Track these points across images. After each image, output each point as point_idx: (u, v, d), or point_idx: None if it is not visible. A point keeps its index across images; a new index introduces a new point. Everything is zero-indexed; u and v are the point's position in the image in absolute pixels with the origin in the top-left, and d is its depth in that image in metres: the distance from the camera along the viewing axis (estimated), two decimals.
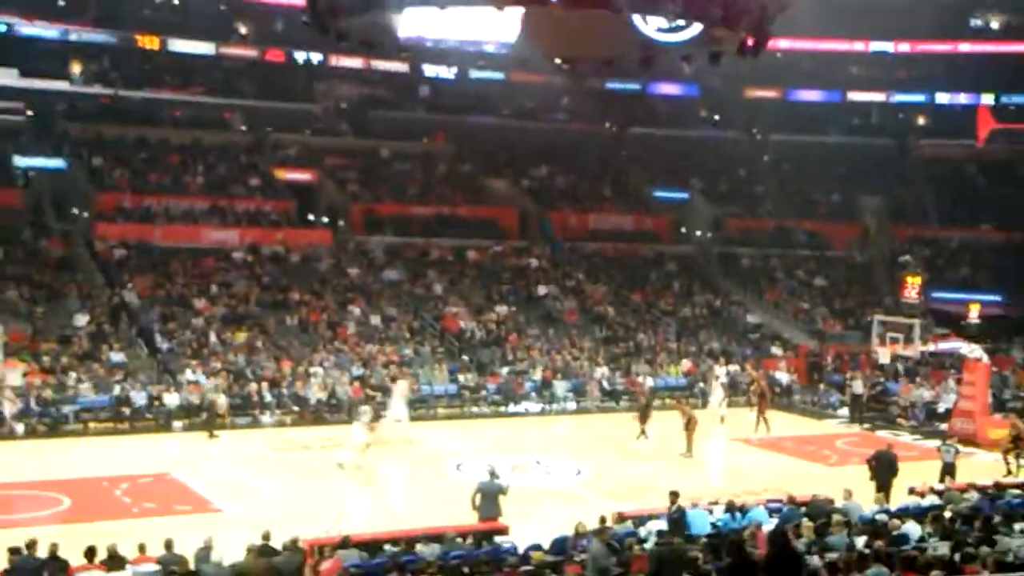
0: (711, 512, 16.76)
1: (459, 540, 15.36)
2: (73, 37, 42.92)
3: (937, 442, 25.17)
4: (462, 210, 44.62)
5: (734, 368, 35.06)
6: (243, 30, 47.11)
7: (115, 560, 13.72)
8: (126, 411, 28.73)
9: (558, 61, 22.83)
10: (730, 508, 16.76)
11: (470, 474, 21.70)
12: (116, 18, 43.40)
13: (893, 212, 48.25)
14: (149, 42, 43.73)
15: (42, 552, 13.54)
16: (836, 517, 15.34)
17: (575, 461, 25.50)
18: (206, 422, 28.08)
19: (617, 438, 28.33)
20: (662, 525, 15.55)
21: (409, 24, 18.56)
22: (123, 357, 31.28)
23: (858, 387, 33.26)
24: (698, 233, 48.19)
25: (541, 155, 49.23)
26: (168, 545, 14.12)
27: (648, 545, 14.12)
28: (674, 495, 16.43)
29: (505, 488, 18.20)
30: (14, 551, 13.32)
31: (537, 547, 14.75)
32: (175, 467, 23.92)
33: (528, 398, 33.11)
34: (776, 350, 38.80)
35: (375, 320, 36.24)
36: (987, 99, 49.77)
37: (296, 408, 30.34)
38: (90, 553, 13.74)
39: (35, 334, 31.41)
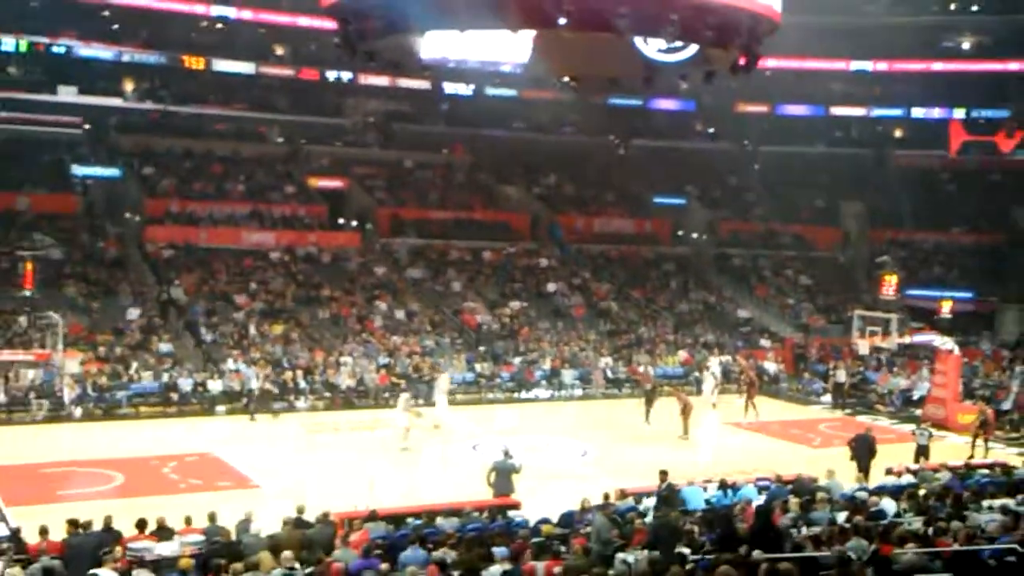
0: (705, 489, 16.74)
1: (476, 514, 15.37)
2: (126, 58, 43.06)
3: (912, 426, 25.07)
4: (478, 214, 44.62)
5: (726, 359, 35.01)
6: (280, 51, 47.16)
7: (164, 531, 13.75)
8: (174, 396, 28.82)
9: (566, 79, 22.82)
10: (722, 486, 16.74)
11: (485, 454, 21.70)
12: (165, 40, 43.58)
13: (872, 216, 48.02)
14: (195, 62, 43.88)
15: (98, 524, 13.60)
16: (819, 494, 15.29)
17: (581, 442, 25.48)
18: (251, 406, 28.21)
19: (620, 422, 28.34)
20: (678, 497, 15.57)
21: (430, 46, 18.58)
22: (171, 347, 31.38)
23: (841, 376, 33.17)
24: (694, 236, 48.07)
25: (550, 164, 49.17)
26: (212, 517, 14.15)
27: (648, 519, 14.11)
28: (663, 474, 16.41)
29: (518, 467, 18.22)
30: (73, 523, 13.35)
31: (546, 521, 14.73)
32: (218, 447, 23.99)
33: (538, 385, 33.09)
34: (765, 342, 38.73)
35: (399, 314, 36.24)
36: (959, 113, 49.46)
37: (328, 394, 30.38)
38: (141, 525, 13.77)
39: (92, 327, 31.53)
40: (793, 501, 14.79)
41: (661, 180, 49.41)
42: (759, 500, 15.47)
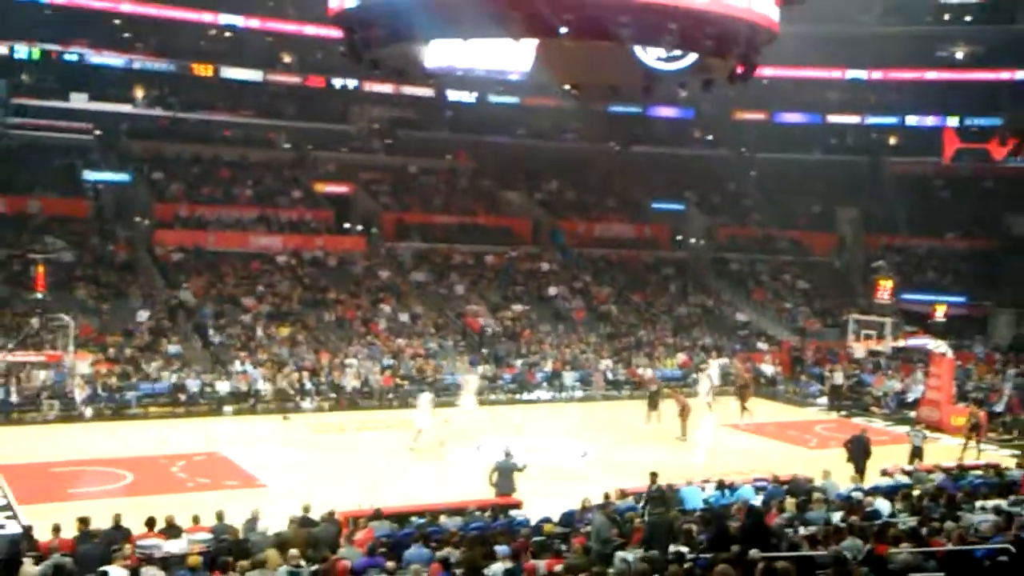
0: (703, 489, 16.73)
1: (478, 513, 15.36)
2: (136, 65, 43.20)
3: (907, 428, 25.07)
4: (481, 219, 44.64)
5: (724, 361, 34.98)
6: (287, 59, 47.26)
7: (172, 529, 13.76)
8: (182, 397, 28.83)
9: (567, 87, 22.85)
10: (720, 486, 16.73)
11: (488, 454, 21.69)
12: (174, 48, 43.70)
13: (867, 222, 48.04)
14: (204, 70, 43.99)
15: (107, 522, 13.60)
16: (815, 495, 15.30)
17: (582, 443, 25.47)
18: (283, 408, 28.63)
19: (620, 423, 28.33)
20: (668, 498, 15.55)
21: (434, 54, 18.61)
22: (179, 349, 31.39)
23: (838, 378, 33.17)
24: (692, 241, 48.08)
25: (552, 171, 49.19)
26: (219, 516, 14.17)
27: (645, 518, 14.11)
28: (653, 475, 16.41)
29: (520, 467, 18.22)
30: (83, 521, 13.37)
31: (548, 520, 14.74)
32: (225, 447, 23.98)
33: (540, 387, 33.08)
34: (762, 345, 38.72)
35: (404, 317, 36.26)
36: (952, 121, 49.47)
37: (333, 395, 30.37)
38: (150, 523, 13.78)
39: (102, 328, 31.54)
40: (789, 501, 14.80)
41: (660, 186, 49.43)
42: (756, 500, 15.46)
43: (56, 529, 13.24)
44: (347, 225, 42.73)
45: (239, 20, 43.68)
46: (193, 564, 11.58)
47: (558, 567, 11.41)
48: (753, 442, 26.77)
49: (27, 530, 13.89)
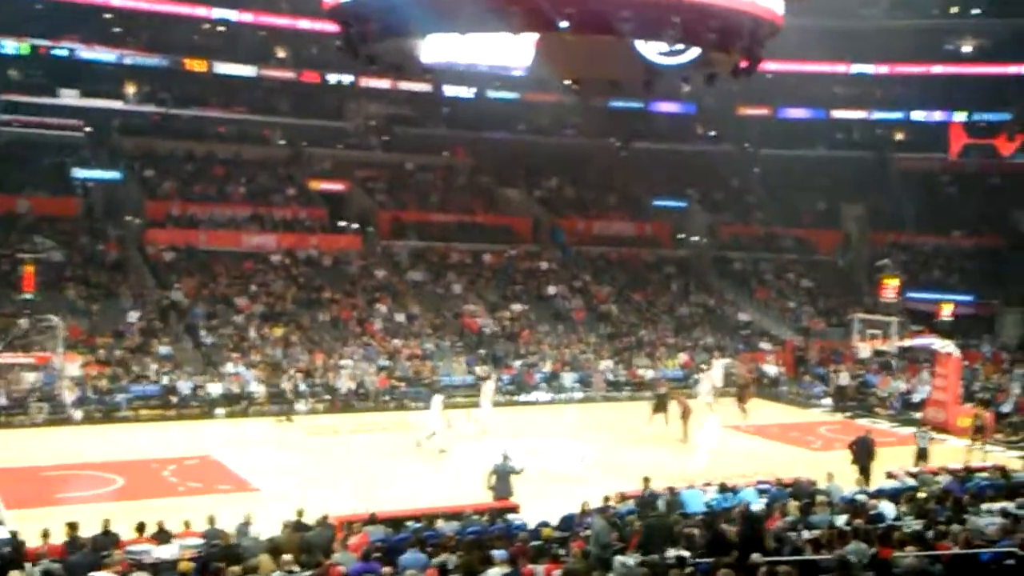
0: (705, 492, 16.72)
1: (475, 517, 15.35)
2: (128, 61, 43.09)
3: (913, 429, 25.06)
4: (479, 217, 44.62)
5: (726, 361, 34.95)
6: (281, 54, 47.21)
7: (163, 534, 13.74)
8: (173, 399, 28.82)
9: (568, 82, 22.83)
10: (722, 489, 16.72)
11: (486, 457, 21.66)
12: (167, 43, 43.62)
13: (873, 220, 48.03)
14: (196, 65, 43.95)
15: (97, 527, 13.58)
16: (819, 497, 15.30)
17: (581, 445, 25.47)
18: (283, 410, 28.38)
19: (620, 425, 28.33)
20: (660, 504, 15.53)
21: (432, 49, 18.58)
22: (171, 350, 31.37)
23: (844, 379, 33.20)
24: (694, 238, 48.09)
25: (552, 167, 49.17)
26: (211, 521, 14.13)
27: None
28: (647, 480, 16.40)
29: (518, 470, 18.21)
30: (72, 526, 13.35)
31: (546, 524, 14.71)
32: (217, 450, 23.98)
33: (539, 388, 33.08)
34: (765, 345, 38.72)
35: (400, 317, 36.24)
36: (959, 116, 49.49)
37: (328, 397, 30.36)
38: (140, 528, 13.77)
39: (92, 329, 31.51)
40: (792, 504, 14.78)
41: (662, 183, 49.41)
42: (759, 503, 15.45)
43: (45, 534, 13.21)
44: (342, 223, 42.65)
45: (232, 14, 43.58)
46: (184, 570, 11.57)
47: (556, 572, 11.40)
48: (756, 444, 26.78)
49: (14, 535, 13.85)
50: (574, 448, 25.21)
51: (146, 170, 41.04)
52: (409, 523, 14.93)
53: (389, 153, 47.88)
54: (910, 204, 47.22)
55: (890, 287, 37.05)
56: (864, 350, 33.47)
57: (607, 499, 15.94)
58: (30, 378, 27.83)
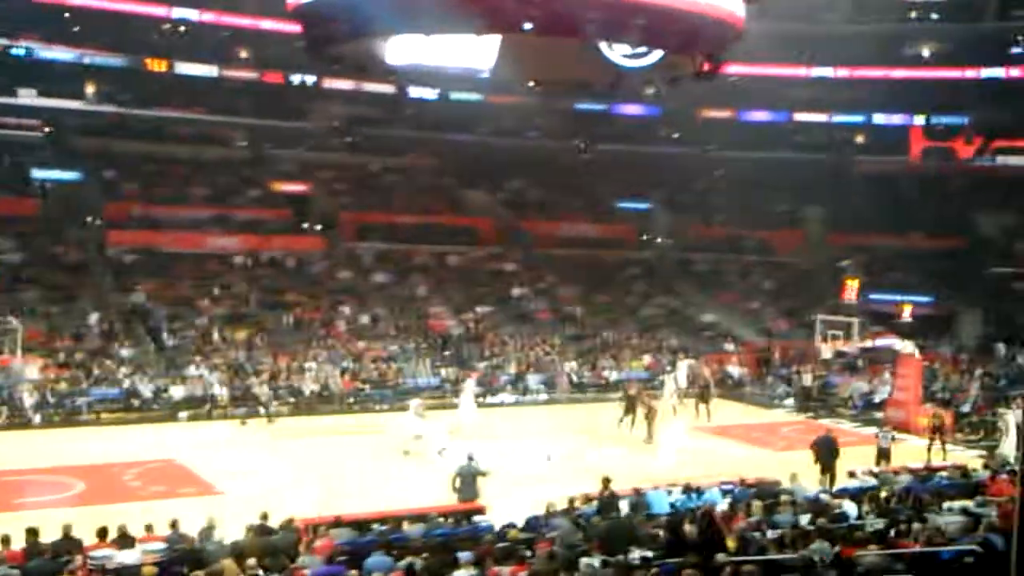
0: (670, 493, 16.78)
1: (441, 520, 15.31)
2: (87, 60, 42.69)
3: (874, 429, 25.28)
4: (443, 219, 44.57)
5: (691, 362, 35.11)
6: (244, 54, 46.88)
7: (125, 539, 13.58)
8: (135, 402, 28.55)
9: (532, 84, 22.89)
10: (687, 489, 16.78)
11: (451, 459, 21.62)
12: (127, 43, 43.21)
13: (834, 221, 48.44)
14: (157, 65, 43.63)
15: (57, 533, 13.42)
16: (783, 497, 15.39)
17: (546, 447, 25.47)
18: (255, 412, 28.03)
19: (585, 426, 28.36)
20: (624, 505, 15.58)
21: (396, 50, 18.54)
22: (132, 353, 31.09)
23: (807, 379, 33.43)
24: (658, 240, 48.30)
25: (516, 169, 49.19)
26: (174, 525, 14.00)
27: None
28: (606, 480, 16.46)
29: (484, 471, 18.19)
30: (32, 532, 13.18)
31: (512, 525, 14.71)
32: (180, 453, 23.76)
33: (504, 390, 33.09)
34: (729, 346, 38.94)
35: (364, 319, 36.14)
36: (919, 119, 50.17)
37: (292, 399, 30.19)
38: (102, 533, 13.61)
39: (51, 332, 31.16)
40: (756, 504, 14.88)
41: (626, 185, 49.57)
42: (724, 504, 15.54)
43: (5, 540, 13.02)
44: (306, 225, 42.48)
45: (194, 14, 43.26)
46: (147, 575, 11.45)
47: (523, 573, 11.40)
48: (720, 445, 26.91)
49: None
50: (539, 449, 25.20)
51: (106, 171, 40.67)
52: (375, 526, 14.84)
53: (352, 154, 47.69)
54: (871, 206, 47.70)
55: (851, 288, 37.45)
56: (826, 351, 33.79)
57: (572, 500, 15.96)
58: None
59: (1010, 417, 24.83)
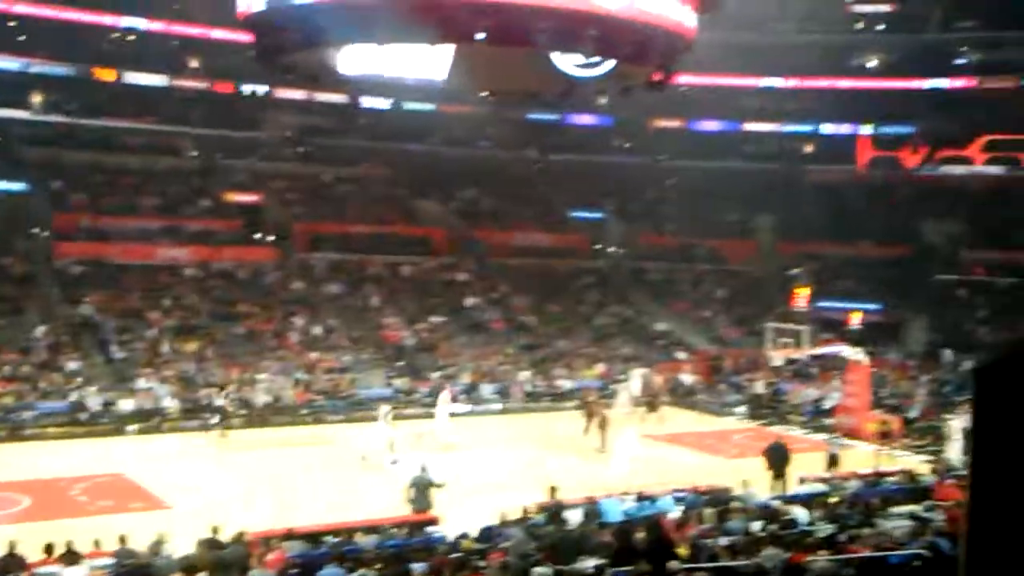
0: (623, 501, 16.83)
1: (394, 531, 15.25)
2: (34, 69, 42.06)
3: (824, 435, 25.56)
4: (396, 229, 44.39)
5: (644, 371, 35.28)
6: (194, 64, 46.44)
7: (72, 555, 13.37)
8: (82, 416, 28.10)
9: (484, 93, 22.92)
10: (640, 497, 16.85)
11: (404, 470, 21.52)
12: (75, 52, 42.59)
13: (784, 230, 49.01)
14: (106, 74, 43.10)
15: (1, 549, 13.17)
16: (735, 504, 15.52)
17: (500, 456, 25.47)
18: (217, 424, 27.42)
19: (539, 435, 28.40)
20: (578, 514, 15.60)
21: (348, 60, 18.48)
22: (80, 366, 30.62)
23: (759, 387, 33.71)
24: (611, 250, 48.52)
25: (468, 179, 49.16)
26: (122, 540, 13.82)
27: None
28: (553, 489, 16.49)
29: (437, 482, 18.14)
30: None
31: (465, 536, 14.68)
32: (129, 468, 23.44)
33: (457, 400, 32.99)
34: (681, 355, 39.18)
35: (317, 330, 35.89)
36: (866, 129, 50.97)
37: (243, 411, 29.89)
38: (48, 549, 13.40)
39: None
40: (708, 511, 14.97)
41: (579, 194, 49.78)
42: (676, 511, 15.62)
43: None
44: (258, 236, 42.12)
45: (142, 23, 42.84)
46: None
47: None
48: (672, 452, 27.07)
49: None
50: (493, 459, 25.20)
51: (54, 181, 40.01)
52: (327, 538, 14.74)
53: (305, 164, 47.42)
54: (820, 215, 48.27)
55: (801, 296, 37.85)
56: (777, 358, 34.11)
57: (526, 510, 15.97)
58: None
59: (955, 423, 25.20)
